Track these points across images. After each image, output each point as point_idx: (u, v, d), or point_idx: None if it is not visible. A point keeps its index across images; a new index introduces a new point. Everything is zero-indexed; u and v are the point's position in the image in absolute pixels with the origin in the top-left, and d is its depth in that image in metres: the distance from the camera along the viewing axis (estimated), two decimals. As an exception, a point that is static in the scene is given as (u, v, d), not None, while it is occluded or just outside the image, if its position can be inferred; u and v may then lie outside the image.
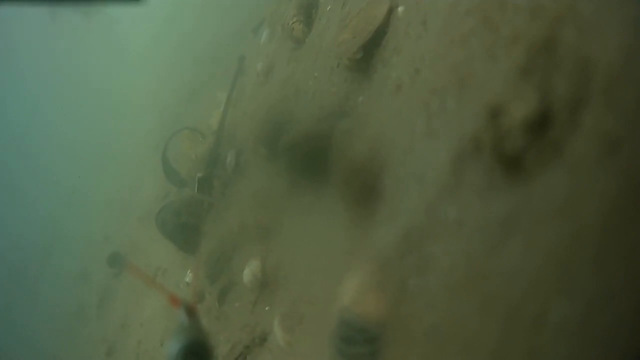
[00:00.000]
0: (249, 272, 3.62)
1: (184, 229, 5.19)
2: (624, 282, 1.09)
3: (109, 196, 12.94)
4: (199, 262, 4.84)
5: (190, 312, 2.04)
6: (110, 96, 18.57)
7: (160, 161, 6.40)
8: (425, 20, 2.37)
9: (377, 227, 2.20)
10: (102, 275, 9.09)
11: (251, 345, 3.25)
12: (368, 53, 2.88)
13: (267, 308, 3.34)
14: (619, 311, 1.08)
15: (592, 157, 1.24)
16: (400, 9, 2.73)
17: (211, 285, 4.37)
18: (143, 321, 6.08)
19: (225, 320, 3.88)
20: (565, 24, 1.45)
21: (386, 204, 2.19)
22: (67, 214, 16.31)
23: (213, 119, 6.19)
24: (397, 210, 2.08)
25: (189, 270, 5.05)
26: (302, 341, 2.59)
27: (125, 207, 10.53)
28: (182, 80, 10.82)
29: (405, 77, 2.37)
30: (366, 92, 2.84)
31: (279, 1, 5.87)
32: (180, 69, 11.59)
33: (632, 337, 1.05)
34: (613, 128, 1.21)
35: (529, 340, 1.26)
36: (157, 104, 12.43)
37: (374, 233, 2.21)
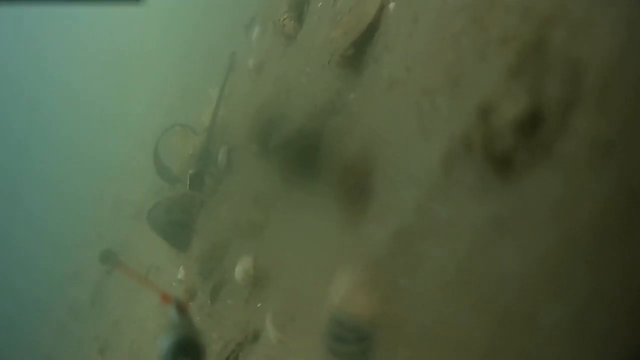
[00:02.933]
0: (241, 269, 3.61)
1: (175, 226, 5.17)
2: (617, 285, 1.09)
3: (101, 194, 12.91)
4: (190, 259, 4.83)
5: (181, 308, 2.05)
6: (101, 94, 18.50)
7: (152, 158, 6.38)
8: (416, 17, 2.37)
9: (368, 225, 2.21)
10: (94, 273, 9.07)
11: (244, 342, 3.25)
12: (359, 50, 2.87)
13: (259, 305, 3.34)
14: (612, 313, 1.08)
15: (584, 159, 1.24)
16: (391, 5, 2.73)
17: (203, 283, 4.36)
18: (137, 319, 6.07)
19: (218, 317, 3.88)
20: (555, 25, 1.44)
21: (377, 202, 2.20)
22: (59, 211, 16.27)
23: (205, 115, 6.18)
24: (388, 208, 2.08)
25: (182, 268, 5.04)
26: (294, 339, 2.59)
27: (117, 205, 10.51)
28: (173, 77, 10.79)
29: (396, 76, 2.37)
30: (358, 89, 2.84)
31: (270, -3, 5.85)
32: (172, 65, 11.55)
33: (626, 340, 1.06)
34: (604, 130, 1.21)
35: (522, 342, 1.26)
36: (148, 100, 12.39)
37: (365, 230, 2.21)
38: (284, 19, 4.50)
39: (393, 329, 1.75)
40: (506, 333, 1.32)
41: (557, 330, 1.18)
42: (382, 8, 2.80)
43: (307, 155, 3.10)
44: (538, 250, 1.29)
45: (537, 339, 1.22)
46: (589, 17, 1.34)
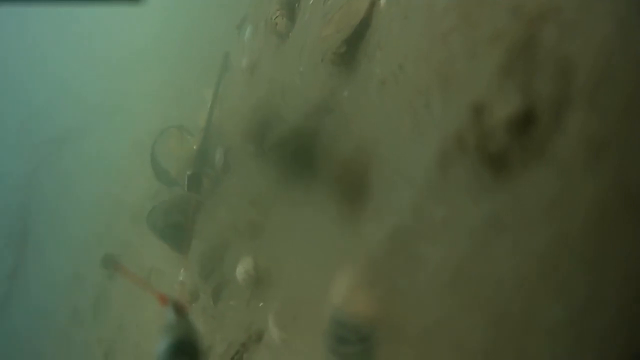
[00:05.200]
0: (242, 269, 3.62)
1: (175, 228, 5.17)
2: (615, 285, 1.09)
3: (98, 196, 12.86)
4: (190, 261, 4.84)
5: (179, 310, 2.05)
6: (97, 95, 18.40)
7: (150, 161, 6.39)
8: (407, 14, 2.37)
9: (365, 224, 2.21)
10: (96, 276, 9.05)
11: (248, 343, 3.26)
12: (352, 47, 2.87)
13: (261, 304, 3.35)
14: (610, 313, 1.08)
15: (578, 158, 1.24)
16: (382, 1, 2.72)
17: (205, 284, 4.37)
18: (140, 322, 6.07)
19: (221, 318, 3.89)
20: (546, 23, 1.43)
21: (374, 201, 2.20)
22: (59, 214, 16.20)
23: (200, 117, 6.17)
24: (384, 207, 2.09)
25: (182, 270, 5.05)
26: (297, 338, 2.60)
27: (116, 207, 10.48)
28: (167, 78, 10.75)
29: (389, 74, 2.36)
30: (351, 87, 2.83)
31: (262, -4, 5.82)
32: (166, 67, 11.51)
33: (625, 340, 1.05)
34: (598, 129, 1.20)
35: (521, 342, 1.27)
36: (144, 102, 12.34)
37: (363, 230, 2.22)
38: (276, 17, 4.49)
39: (393, 329, 1.75)
40: (505, 333, 1.32)
41: (556, 330, 1.19)
42: (373, 4, 2.79)
43: (303, 155, 3.10)
44: (534, 249, 1.29)
45: (536, 339, 1.22)
46: (580, 14, 1.33)
